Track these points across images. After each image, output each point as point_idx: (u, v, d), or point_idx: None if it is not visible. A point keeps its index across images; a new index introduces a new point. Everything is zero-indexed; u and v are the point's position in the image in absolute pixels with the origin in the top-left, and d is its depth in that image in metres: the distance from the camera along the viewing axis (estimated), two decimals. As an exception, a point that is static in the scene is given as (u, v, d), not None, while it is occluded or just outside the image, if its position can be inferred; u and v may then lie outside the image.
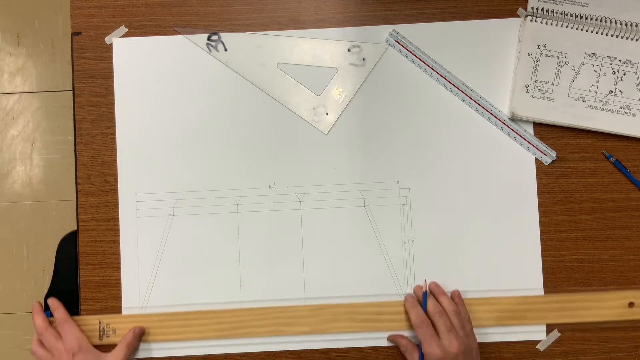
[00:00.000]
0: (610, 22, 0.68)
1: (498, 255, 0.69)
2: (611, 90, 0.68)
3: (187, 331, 0.68)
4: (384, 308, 0.68)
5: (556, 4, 0.69)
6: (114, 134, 0.70)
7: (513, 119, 0.69)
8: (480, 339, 0.67)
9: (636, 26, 0.68)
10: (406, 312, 0.67)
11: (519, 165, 0.69)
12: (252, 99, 0.70)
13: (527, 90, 0.69)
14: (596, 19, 0.68)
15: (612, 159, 0.69)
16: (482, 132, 0.70)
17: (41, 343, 0.67)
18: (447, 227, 0.69)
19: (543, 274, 0.69)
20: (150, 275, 0.69)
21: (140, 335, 0.68)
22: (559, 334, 0.68)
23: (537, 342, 0.68)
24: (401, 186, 0.70)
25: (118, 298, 0.69)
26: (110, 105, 0.71)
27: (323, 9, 0.71)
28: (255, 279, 0.69)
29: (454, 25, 0.70)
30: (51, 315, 0.69)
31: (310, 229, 0.69)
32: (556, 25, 0.69)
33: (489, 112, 0.70)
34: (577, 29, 0.68)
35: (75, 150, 0.71)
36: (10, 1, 1.36)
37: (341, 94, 0.70)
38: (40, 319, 0.68)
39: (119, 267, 0.69)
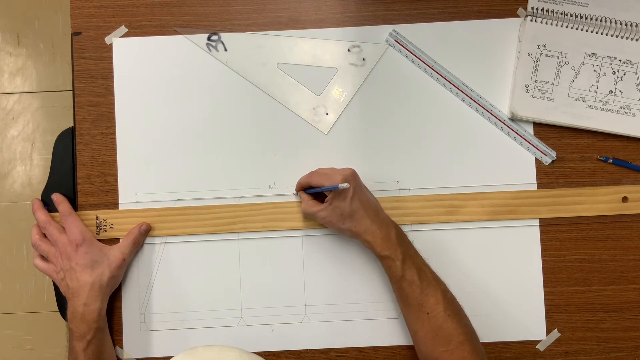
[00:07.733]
0: (610, 22, 0.68)
1: (497, 252, 0.69)
2: (611, 90, 0.68)
3: (185, 226, 0.69)
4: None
5: (556, 4, 0.69)
6: (114, 134, 0.70)
7: (513, 119, 0.69)
8: (481, 337, 0.68)
9: (636, 26, 0.68)
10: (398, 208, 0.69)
11: (519, 165, 0.69)
12: (252, 99, 0.70)
13: (527, 90, 0.69)
14: (596, 19, 0.68)
15: (610, 160, 0.69)
16: (482, 132, 0.70)
17: (43, 236, 0.68)
18: (447, 227, 0.69)
19: (543, 274, 0.69)
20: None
21: (146, 232, 0.69)
22: (559, 334, 0.68)
23: (537, 342, 0.68)
24: (401, 186, 0.70)
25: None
26: (110, 105, 0.71)
27: (323, 9, 0.71)
28: (254, 280, 0.70)
29: (454, 25, 0.70)
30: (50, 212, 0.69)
31: (310, 229, 0.69)
32: (556, 25, 0.69)
33: (489, 112, 0.70)
34: (577, 29, 0.68)
35: (75, 150, 0.71)
36: (10, 1, 1.36)
37: (341, 94, 0.70)
38: (42, 214, 0.68)
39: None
